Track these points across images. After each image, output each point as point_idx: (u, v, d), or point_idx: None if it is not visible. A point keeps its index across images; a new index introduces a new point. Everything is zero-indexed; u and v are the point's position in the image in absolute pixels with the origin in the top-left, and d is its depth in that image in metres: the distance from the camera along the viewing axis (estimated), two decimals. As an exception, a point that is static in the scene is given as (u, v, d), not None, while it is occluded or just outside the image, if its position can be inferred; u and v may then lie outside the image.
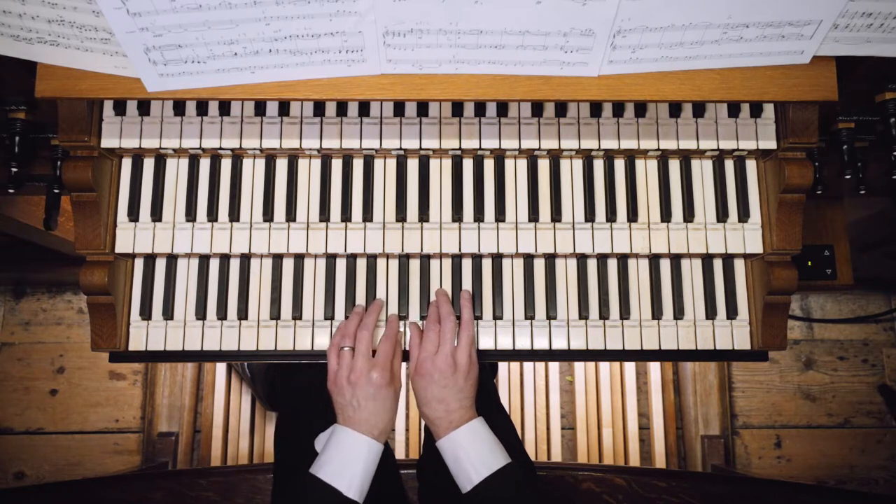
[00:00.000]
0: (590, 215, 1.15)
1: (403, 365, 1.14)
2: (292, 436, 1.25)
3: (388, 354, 1.09)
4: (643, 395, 2.26)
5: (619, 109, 1.13)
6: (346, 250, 1.13)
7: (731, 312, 1.15)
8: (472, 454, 1.03)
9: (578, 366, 2.23)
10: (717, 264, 1.17)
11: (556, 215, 1.15)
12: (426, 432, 1.42)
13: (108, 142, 1.10)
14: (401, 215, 1.15)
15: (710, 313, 1.15)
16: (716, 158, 1.17)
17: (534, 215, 1.14)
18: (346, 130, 1.13)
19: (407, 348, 1.13)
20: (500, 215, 1.14)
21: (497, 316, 1.15)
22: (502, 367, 2.20)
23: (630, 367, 2.22)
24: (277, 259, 1.16)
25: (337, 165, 1.16)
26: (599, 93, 0.97)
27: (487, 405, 1.18)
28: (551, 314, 1.15)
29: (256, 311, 1.15)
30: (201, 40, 0.88)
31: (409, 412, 2.19)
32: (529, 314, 1.14)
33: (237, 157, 1.16)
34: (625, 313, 1.15)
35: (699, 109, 1.13)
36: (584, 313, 1.15)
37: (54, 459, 2.27)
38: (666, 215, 1.15)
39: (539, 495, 1.28)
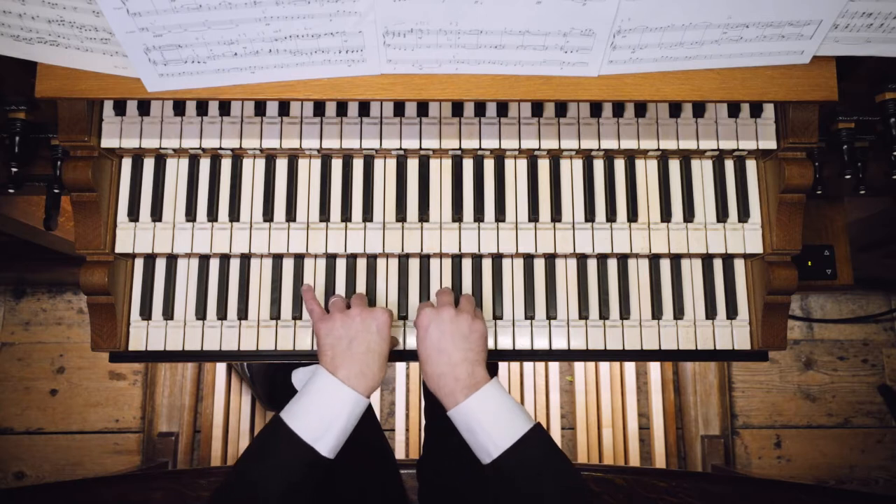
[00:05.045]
0: (590, 215, 1.15)
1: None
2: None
3: (388, 315, 1.03)
4: (643, 395, 2.26)
5: (619, 109, 1.14)
6: (346, 250, 1.13)
7: (731, 312, 1.15)
8: (488, 424, 0.93)
9: (578, 366, 2.22)
10: (717, 264, 1.17)
11: (556, 215, 1.15)
12: (426, 432, 1.42)
13: (108, 142, 1.10)
14: (401, 215, 1.15)
15: (710, 313, 1.15)
16: (716, 158, 1.17)
17: (534, 215, 1.14)
18: (346, 130, 1.13)
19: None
20: (500, 215, 1.14)
21: (497, 316, 1.15)
22: (502, 367, 2.20)
23: (630, 367, 2.22)
24: (277, 259, 1.16)
25: (337, 165, 1.16)
26: (599, 93, 0.97)
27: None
28: (551, 314, 1.15)
29: (256, 311, 1.15)
30: (201, 40, 0.88)
31: (409, 412, 2.19)
32: (529, 314, 1.14)
33: (237, 157, 1.16)
34: (625, 313, 1.15)
35: (699, 109, 1.13)
36: (584, 313, 1.15)
37: (54, 459, 2.27)
38: (666, 215, 1.15)
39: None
